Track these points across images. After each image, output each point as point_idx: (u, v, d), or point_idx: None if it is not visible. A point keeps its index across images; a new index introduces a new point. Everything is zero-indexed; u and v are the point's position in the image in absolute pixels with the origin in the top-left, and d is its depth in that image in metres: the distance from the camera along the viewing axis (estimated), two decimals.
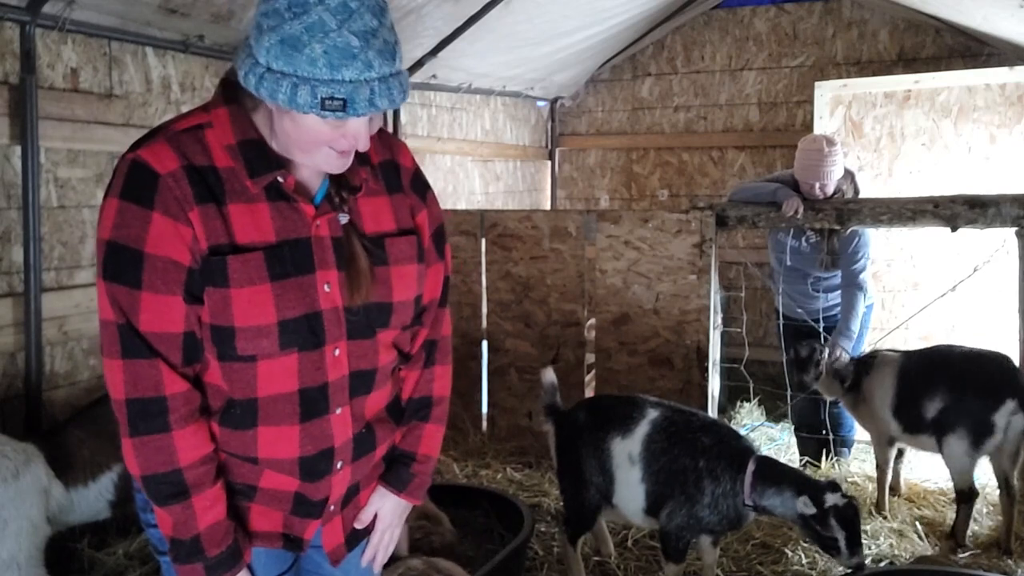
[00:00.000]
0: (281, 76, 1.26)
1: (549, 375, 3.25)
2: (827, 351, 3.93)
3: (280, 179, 1.38)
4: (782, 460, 4.43)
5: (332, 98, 1.25)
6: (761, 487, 2.78)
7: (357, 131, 1.34)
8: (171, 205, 1.31)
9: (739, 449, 2.86)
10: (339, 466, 1.51)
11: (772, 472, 2.81)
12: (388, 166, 1.54)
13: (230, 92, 1.38)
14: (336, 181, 1.45)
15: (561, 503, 3.79)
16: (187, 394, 1.37)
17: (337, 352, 1.44)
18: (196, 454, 1.37)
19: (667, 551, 2.92)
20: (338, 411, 1.47)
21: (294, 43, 1.24)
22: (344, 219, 1.44)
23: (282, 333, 1.37)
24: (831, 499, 2.65)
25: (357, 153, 1.42)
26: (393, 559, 2.40)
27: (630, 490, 2.94)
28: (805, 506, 2.67)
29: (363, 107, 1.26)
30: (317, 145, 1.34)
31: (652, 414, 2.98)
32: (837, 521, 2.65)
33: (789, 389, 4.47)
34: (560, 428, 3.18)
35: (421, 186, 1.60)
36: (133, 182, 1.31)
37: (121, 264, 1.30)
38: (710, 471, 2.82)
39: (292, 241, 1.38)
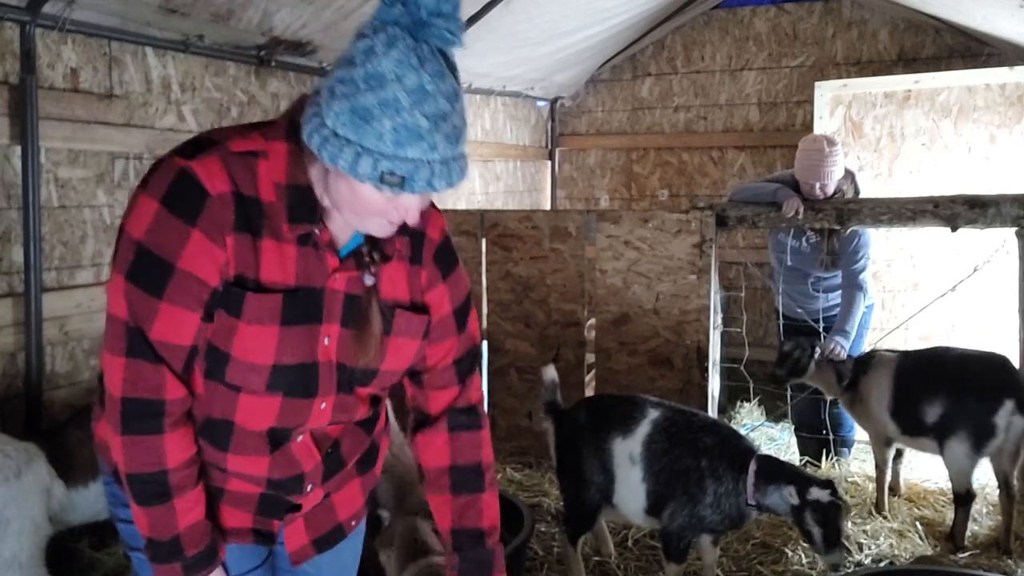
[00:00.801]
0: (346, 143, 1.24)
1: (550, 373, 3.25)
2: (819, 348, 3.92)
3: (316, 231, 1.38)
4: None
5: (392, 173, 1.25)
6: (763, 486, 2.79)
7: (410, 206, 1.33)
8: (212, 227, 1.30)
9: (741, 449, 2.87)
10: (309, 488, 1.53)
11: (773, 470, 2.82)
12: (414, 236, 1.53)
13: (294, 131, 1.36)
14: (370, 243, 1.45)
15: (561, 503, 3.79)
16: (184, 399, 1.38)
17: (324, 406, 1.46)
18: (182, 456, 1.38)
19: (668, 551, 2.92)
20: (299, 439, 1.48)
21: (365, 115, 1.23)
22: (370, 281, 1.45)
23: (273, 375, 1.38)
24: (815, 494, 2.70)
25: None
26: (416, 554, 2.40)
27: (631, 490, 2.94)
28: (790, 496, 2.71)
29: (421, 186, 1.26)
30: (369, 213, 1.33)
31: (653, 414, 2.98)
32: (816, 516, 2.69)
33: (789, 389, 4.48)
34: (560, 427, 3.18)
35: (446, 260, 1.59)
36: (180, 193, 1.29)
37: (148, 270, 1.30)
38: (712, 471, 2.83)
39: (308, 289, 1.39)
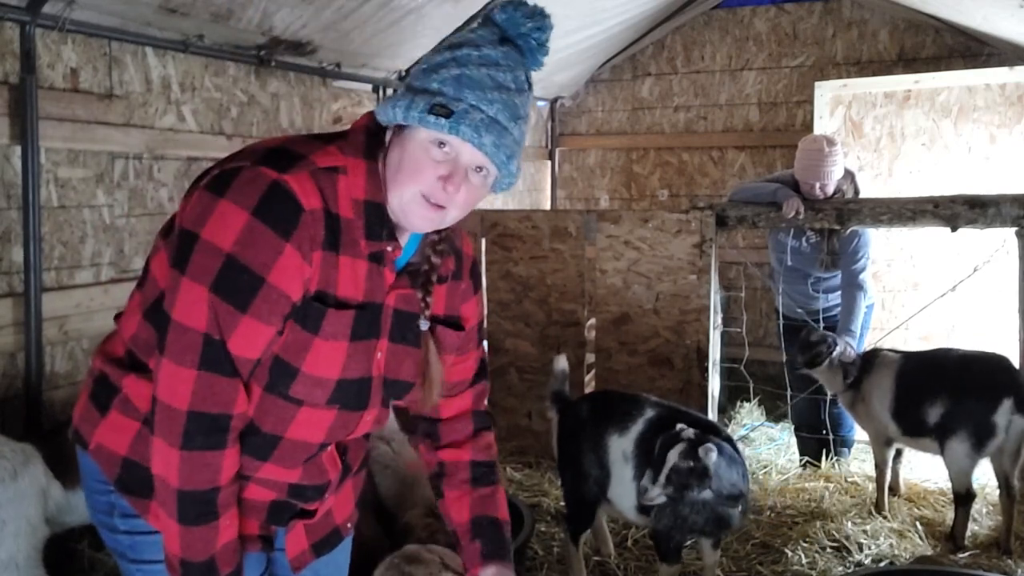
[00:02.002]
0: (409, 91, 1.32)
1: (561, 362, 3.27)
2: (838, 346, 3.90)
3: (389, 249, 1.40)
4: (782, 460, 4.47)
5: (443, 105, 1.29)
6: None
7: (456, 169, 1.33)
8: (304, 242, 1.29)
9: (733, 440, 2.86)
10: (327, 496, 1.58)
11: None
12: (456, 253, 1.57)
13: (371, 145, 1.39)
14: (427, 273, 1.48)
15: (561, 503, 3.80)
16: (246, 414, 1.37)
17: (369, 417, 1.50)
18: (232, 472, 1.36)
19: (660, 552, 2.92)
20: (328, 449, 1.52)
21: (436, 66, 1.33)
22: (425, 326, 1.48)
23: (336, 389, 1.40)
24: (680, 430, 2.68)
25: (449, 241, 1.49)
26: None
27: (623, 487, 2.95)
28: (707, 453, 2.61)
29: (467, 130, 1.29)
30: (419, 171, 1.33)
31: (649, 413, 2.98)
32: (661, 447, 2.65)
33: (789, 389, 4.48)
34: (563, 418, 3.19)
35: (478, 276, 1.65)
36: (275, 207, 1.28)
37: (238, 284, 1.27)
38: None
39: (372, 305, 1.41)
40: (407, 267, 1.47)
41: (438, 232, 1.48)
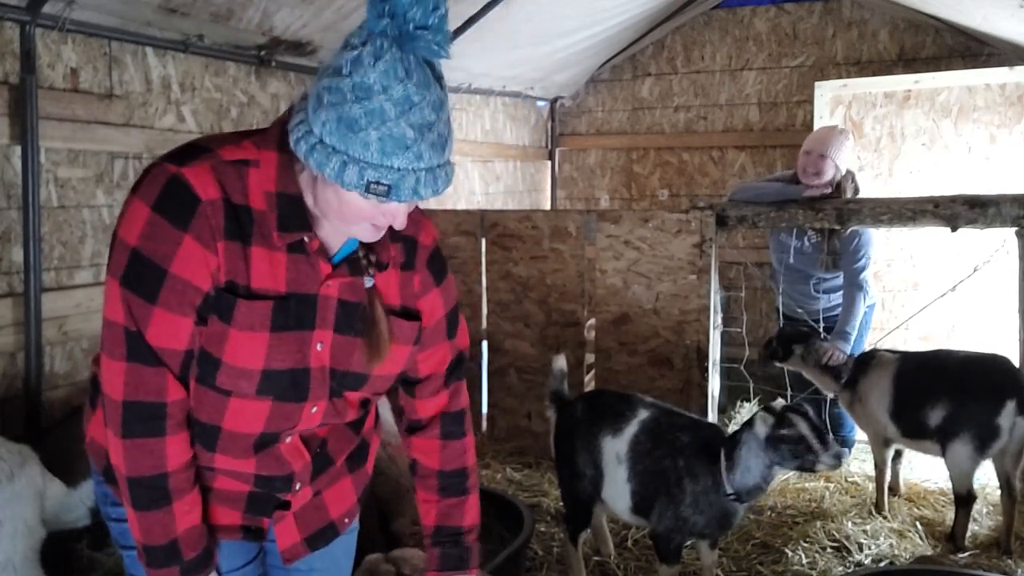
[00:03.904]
0: (332, 152, 1.27)
1: (560, 362, 3.27)
2: (822, 352, 3.92)
3: (305, 239, 1.40)
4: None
5: (379, 183, 1.27)
6: (732, 466, 2.69)
7: (396, 212, 1.36)
8: (204, 232, 1.32)
9: (714, 443, 2.80)
10: (298, 487, 1.55)
11: (734, 445, 2.72)
12: (407, 241, 1.55)
13: (285, 140, 1.38)
14: (365, 249, 1.48)
15: (561, 503, 3.80)
16: (184, 401, 1.39)
17: (315, 410, 1.48)
18: (182, 459, 1.40)
19: (659, 552, 2.92)
20: (288, 440, 1.50)
21: (351, 125, 1.25)
22: (369, 283, 1.48)
23: (263, 380, 1.39)
24: (780, 403, 2.70)
25: (390, 230, 1.45)
26: None
27: (617, 488, 2.95)
28: (763, 423, 2.64)
29: (407, 195, 1.29)
30: (356, 220, 1.36)
31: (643, 415, 2.97)
32: (797, 420, 2.61)
33: (789, 389, 4.48)
34: (560, 418, 3.20)
35: (439, 266, 1.61)
36: (172, 199, 1.32)
37: (143, 276, 1.32)
38: (689, 470, 2.78)
39: (300, 295, 1.40)
40: (351, 256, 1.47)
41: None
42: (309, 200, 1.40)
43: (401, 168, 1.27)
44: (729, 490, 2.72)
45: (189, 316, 1.34)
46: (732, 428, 4.85)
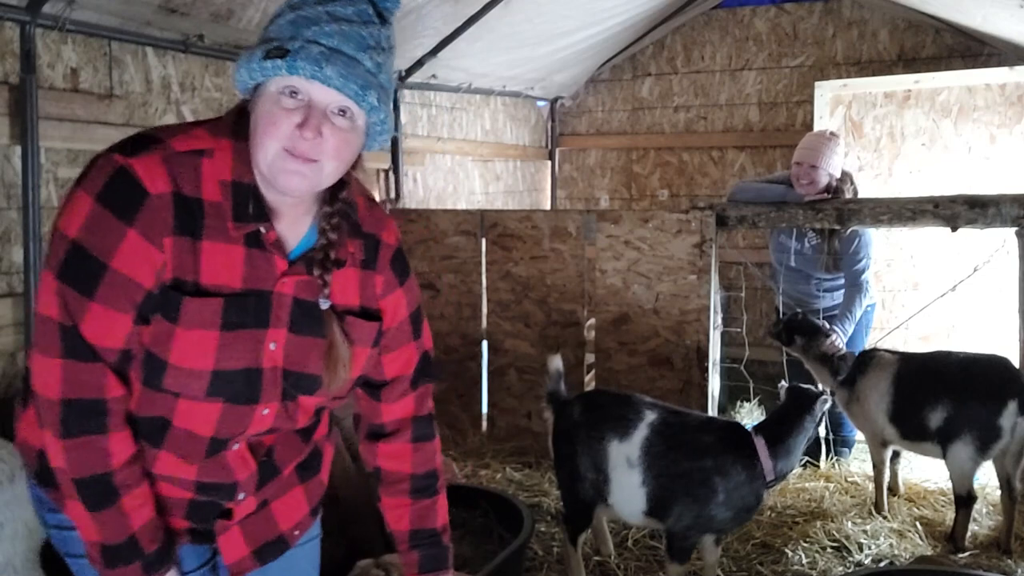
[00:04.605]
0: (252, 50, 1.29)
1: (556, 362, 3.23)
2: (826, 345, 3.91)
3: (262, 230, 1.35)
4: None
5: (279, 47, 1.25)
6: (780, 452, 2.83)
7: (310, 110, 1.28)
8: (150, 227, 1.27)
9: (740, 437, 2.88)
10: (241, 496, 1.49)
11: (784, 433, 2.86)
12: (369, 239, 1.50)
13: (241, 124, 1.35)
14: (323, 249, 1.42)
15: (561, 503, 3.79)
16: (125, 397, 1.34)
17: (266, 412, 1.42)
18: (127, 454, 1.35)
19: (672, 551, 2.92)
20: (235, 447, 1.44)
21: (274, 18, 1.30)
22: (325, 305, 1.42)
23: (214, 381, 1.34)
24: (783, 386, 3.07)
25: (347, 225, 1.42)
26: None
27: (628, 492, 2.93)
28: (824, 404, 2.92)
29: (306, 64, 1.24)
30: (271, 124, 1.28)
31: (649, 417, 2.96)
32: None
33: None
34: (558, 419, 3.16)
35: (402, 266, 1.56)
36: (117, 191, 1.26)
37: (81, 269, 1.26)
38: (719, 468, 2.81)
39: (256, 292, 1.35)
40: (308, 253, 1.42)
41: (330, 204, 1.43)
42: (266, 189, 1.35)
43: (305, 38, 1.25)
44: (771, 477, 2.82)
45: (128, 313, 1.28)
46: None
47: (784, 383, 3.13)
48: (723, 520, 2.86)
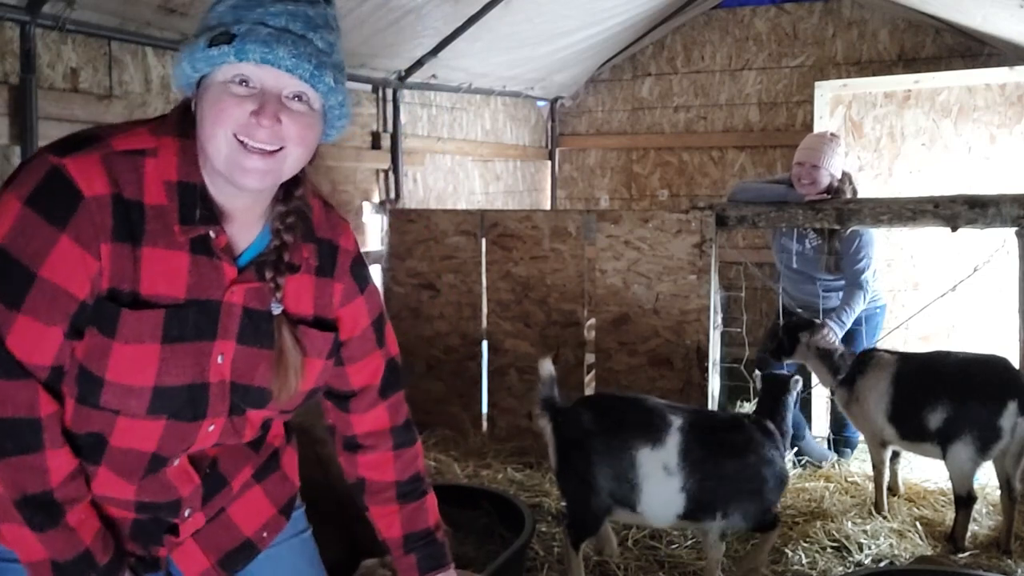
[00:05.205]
0: (192, 40, 1.21)
1: (547, 367, 3.09)
2: (821, 334, 3.89)
3: (212, 235, 1.25)
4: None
5: (224, 33, 1.17)
6: (785, 430, 3.12)
7: (264, 97, 1.19)
8: (85, 232, 1.16)
9: (762, 428, 3.06)
10: (187, 513, 1.40)
11: (783, 413, 3.14)
12: (325, 245, 1.42)
13: (186, 122, 1.26)
14: (276, 252, 1.33)
15: (562, 504, 3.79)
16: (59, 413, 1.24)
17: (212, 428, 1.34)
18: (67, 470, 1.25)
19: (764, 528, 3.03)
20: (175, 463, 1.35)
21: (212, 6, 1.23)
22: (277, 310, 1.33)
23: (155, 398, 1.24)
24: (757, 374, 3.38)
25: (303, 227, 1.35)
26: None
27: (664, 498, 2.89)
28: (796, 385, 3.19)
29: (254, 47, 1.16)
30: (222, 112, 1.19)
31: (676, 421, 2.93)
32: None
33: None
34: (560, 427, 3.04)
35: (362, 272, 1.48)
36: (49, 194, 1.16)
37: (7, 279, 1.15)
38: (764, 461, 2.96)
39: (201, 302, 1.25)
40: (259, 258, 1.32)
41: (284, 202, 1.34)
42: (215, 190, 1.27)
43: (250, 21, 1.18)
44: (787, 451, 3.19)
45: (59, 326, 1.18)
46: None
47: (757, 372, 3.43)
48: (774, 501, 3.02)
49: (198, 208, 1.24)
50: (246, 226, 1.33)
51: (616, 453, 2.90)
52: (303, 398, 1.44)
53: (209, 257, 1.26)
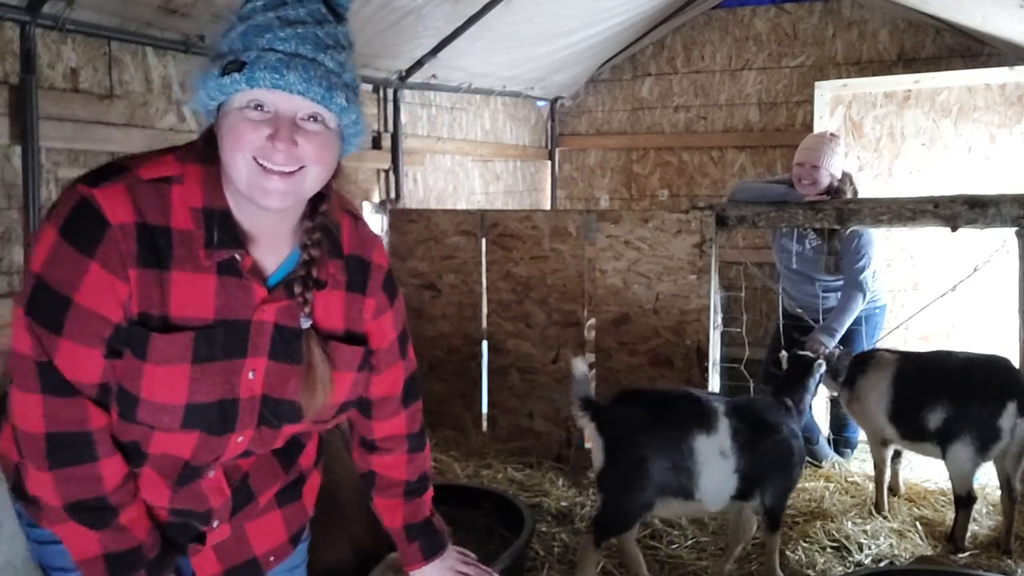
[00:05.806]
0: (206, 68, 1.25)
1: (581, 366, 3.03)
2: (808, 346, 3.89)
3: (237, 257, 1.30)
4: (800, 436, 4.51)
5: (235, 60, 1.21)
6: (803, 407, 3.34)
7: (278, 121, 1.23)
8: (112, 259, 1.23)
9: (785, 405, 3.21)
10: (216, 524, 1.46)
11: (801, 393, 3.34)
12: (356, 261, 1.47)
13: (211, 150, 1.30)
14: (304, 269, 1.38)
15: (562, 503, 3.79)
16: (109, 425, 1.31)
17: (240, 439, 1.39)
18: (119, 476, 1.32)
19: (773, 523, 3.08)
20: (211, 474, 1.42)
21: (224, 32, 1.27)
22: (306, 324, 1.38)
23: (187, 415, 1.31)
24: (784, 355, 3.66)
25: (328, 243, 1.39)
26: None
27: (720, 481, 2.97)
28: (820, 368, 3.44)
29: (265, 74, 1.20)
30: (239, 138, 1.24)
31: (721, 408, 3.05)
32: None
33: None
34: (605, 425, 2.98)
35: (391, 289, 1.54)
36: (78, 223, 1.23)
37: (47, 305, 1.23)
38: (793, 435, 3.08)
39: (230, 323, 1.31)
40: (288, 277, 1.38)
41: (310, 218, 1.38)
42: (241, 214, 1.32)
43: (260, 48, 1.21)
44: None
45: (97, 348, 1.25)
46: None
47: (784, 352, 3.64)
48: (797, 478, 3.14)
49: (223, 232, 1.29)
50: (275, 246, 1.37)
51: (674, 444, 2.95)
52: (336, 410, 1.49)
53: (238, 278, 1.32)
